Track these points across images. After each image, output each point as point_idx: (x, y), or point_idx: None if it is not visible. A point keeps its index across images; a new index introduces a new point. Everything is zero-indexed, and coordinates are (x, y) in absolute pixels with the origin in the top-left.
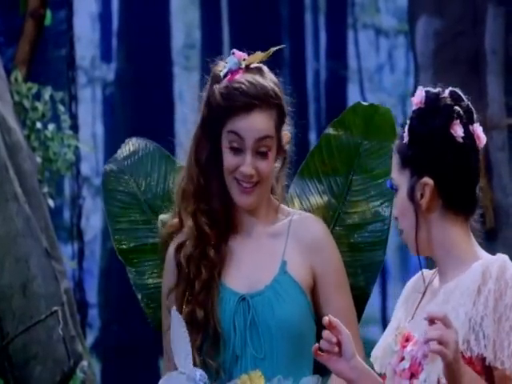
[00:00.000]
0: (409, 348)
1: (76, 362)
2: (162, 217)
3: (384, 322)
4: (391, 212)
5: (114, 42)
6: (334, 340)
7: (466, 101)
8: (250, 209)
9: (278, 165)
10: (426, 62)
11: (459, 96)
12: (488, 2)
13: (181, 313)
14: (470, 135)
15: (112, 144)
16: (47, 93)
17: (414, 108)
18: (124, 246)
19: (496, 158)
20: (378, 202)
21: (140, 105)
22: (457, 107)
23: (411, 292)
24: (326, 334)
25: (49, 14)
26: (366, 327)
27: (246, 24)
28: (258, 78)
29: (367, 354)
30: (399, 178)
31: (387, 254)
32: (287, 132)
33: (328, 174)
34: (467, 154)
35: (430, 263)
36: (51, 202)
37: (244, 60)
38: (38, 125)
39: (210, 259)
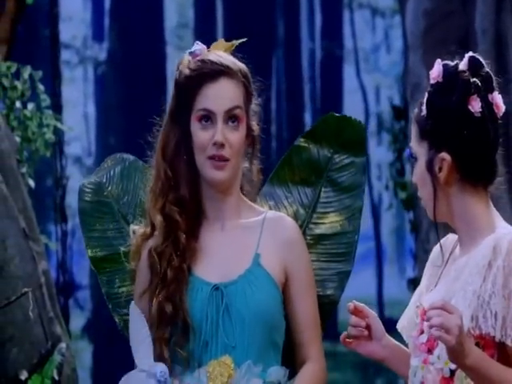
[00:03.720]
0: (426, 322)
1: (54, 344)
2: (133, 227)
3: (380, 305)
4: (359, 225)
5: (106, 21)
6: (363, 324)
7: (486, 67)
8: (221, 186)
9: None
10: (415, 41)
11: (478, 64)
12: None
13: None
14: (488, 105)
15: (104, 124)
16: (26, 72)
17: (432, 82)
18: (97, 254)
19: None
20: (347, 215)
21: (132, 84)
22: (475, 79)
23: (436, 258)
24: (353, 319)
25: None
26: None
27: (240, 3)
28: (223, 53)
29: None
30: (418, 148)
31: (382, 237)
32: (255, 123)
33: (297, 184)
34: (485, 126)
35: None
36: (32, 183)
37: (207, 50)
38: (18, 104)
39: (181, 246)
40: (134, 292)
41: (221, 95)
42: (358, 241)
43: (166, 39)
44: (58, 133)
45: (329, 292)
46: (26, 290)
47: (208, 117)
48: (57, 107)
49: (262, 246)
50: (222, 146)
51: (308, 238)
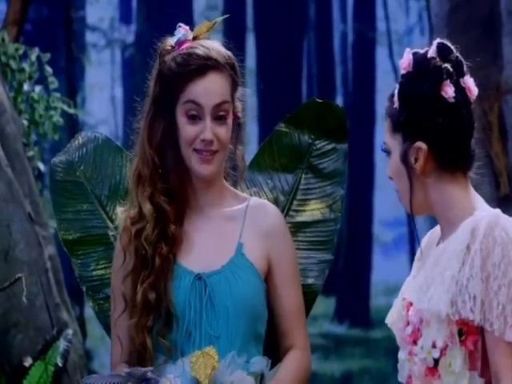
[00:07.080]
0: (410, 313)
1: (60, 331)
2: (119, 209)
3: None
4: (341, 213)
5: (134, 3)
6: None
7: (455, 52)
8: (209, 179)
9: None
10: (440, 23)
11: (447, 49)
12: None
13: (135, 296)
14: (461, 89)
15: (131, 107)
16: (34, 54)
17: (403, 72)
18: (69, 237)
19: (511, 122)
20: (328, 203)
21: None
22: (446, 65)
23: (422, 251)
24: None
25: None
26: (395, 296)
27: None
28: (210, 43)
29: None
30: (391, 141)
31: (417, 224)
32: (239, 104)
33: (277, 171)
34: (460, 112)
35: None
36: (42, 166)
37: (191, 32)
38: (26, 87)
39: (170, 236)
40: (114, 271)
41: (209, 91)
42: (340, 229)
43: (194, 21)
44: (72, 117)
45: (310, 281)
46: (19, 275)
47: (195, 111)
48: (72, 91)
49: (245, 235)
50: (210, 142)
51: (289, 225)
